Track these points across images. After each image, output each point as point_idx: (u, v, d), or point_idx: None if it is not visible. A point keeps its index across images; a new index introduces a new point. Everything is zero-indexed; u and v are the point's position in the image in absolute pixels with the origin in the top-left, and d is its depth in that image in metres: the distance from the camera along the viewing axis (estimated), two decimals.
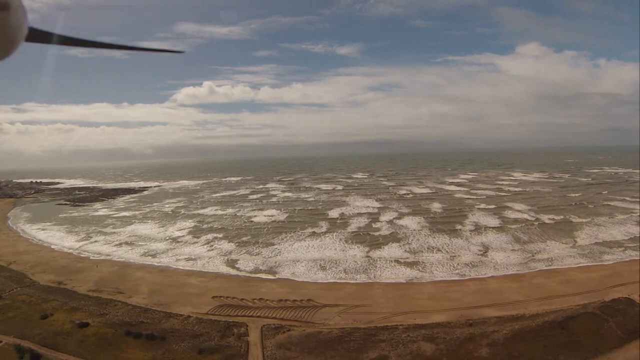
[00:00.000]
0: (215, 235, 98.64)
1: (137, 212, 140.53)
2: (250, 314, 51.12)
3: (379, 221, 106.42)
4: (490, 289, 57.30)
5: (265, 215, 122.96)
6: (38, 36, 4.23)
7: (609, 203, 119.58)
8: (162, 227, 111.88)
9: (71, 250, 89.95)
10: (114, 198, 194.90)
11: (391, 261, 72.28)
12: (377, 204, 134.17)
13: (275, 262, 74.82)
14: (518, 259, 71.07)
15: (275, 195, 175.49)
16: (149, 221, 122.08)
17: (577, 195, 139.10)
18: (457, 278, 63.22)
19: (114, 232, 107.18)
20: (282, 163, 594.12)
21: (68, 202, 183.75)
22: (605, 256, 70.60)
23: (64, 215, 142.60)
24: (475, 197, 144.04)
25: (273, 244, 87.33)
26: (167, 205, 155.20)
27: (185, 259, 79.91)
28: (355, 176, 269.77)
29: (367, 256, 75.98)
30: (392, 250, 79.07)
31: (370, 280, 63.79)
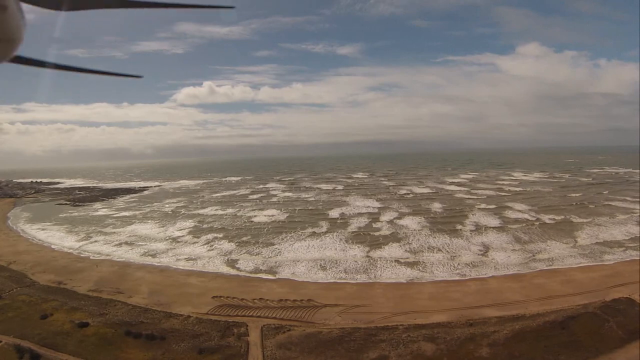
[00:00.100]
0: (215, 235, 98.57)
1: (137, 212, 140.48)
2: (251, 314, 51.05)
3: (380, 221, 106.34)
4: (490, 289, 57.21)
5: (265, 215, 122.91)
6: (27, 62, 4.27)
7: (610, 203, 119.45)
8: (162, 227, 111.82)
9: (71, 250, 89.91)
10: (114, 198, 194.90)
11: (391, 261, 72.19)
12: (377, 204, 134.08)
13: (276, 262, 74.75)
14: (518, 259, 70.97)
15: (275, 195, 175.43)
16: (149, 221, 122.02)
17: (577, 195, 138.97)
18: (457, 278, 63.12)
19: (114, 232, 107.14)
20: (282, 163, 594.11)
21: (68, 202, 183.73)
22: (605, 256, 70.48)
23: (64, 215, 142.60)
24: (475, 197, 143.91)
25: (273, 244, 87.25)
26: (167, 205, 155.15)
27: (185, 258, 79.85)
28: (355, 176, 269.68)
29: (368, 256, 75.89)
30: (393, 250, 78.98)
31: (370, 280, 63.70)
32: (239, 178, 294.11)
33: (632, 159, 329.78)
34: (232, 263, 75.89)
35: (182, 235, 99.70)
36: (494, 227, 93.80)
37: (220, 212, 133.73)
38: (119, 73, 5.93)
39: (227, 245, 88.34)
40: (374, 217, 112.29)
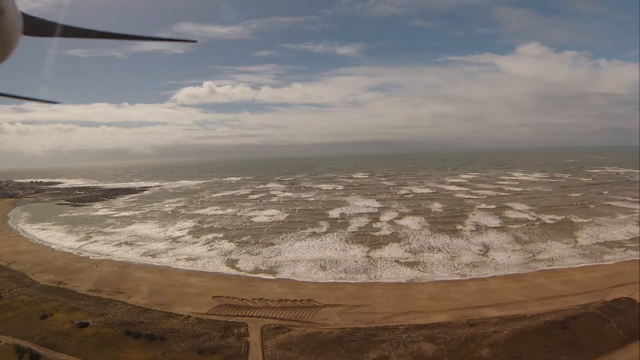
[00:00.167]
0: (215, 235, 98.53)
1: (137, 212, 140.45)
2: (251, 314, 50.99)
3: (380, 221, 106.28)
4: (491, 289, 57.14)
5: (265, 215, 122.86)
6: (39, 28, 4.16)
7: (610, 203, 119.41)
8: (162, 227, 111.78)
9: (71, 250, 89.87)
10: (114, 198, 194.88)
11: (392, 261, 72.13)
12: (377, 204, 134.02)
13: (276, 262, 74.69)
14: (519, 259, 70.91)
15: (275, 195, 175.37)
16: (149, 221, 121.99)
17: (578, 195, 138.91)
18: (457, 278, 63.05)
19: (114, 232, 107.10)
20: (282, 163, 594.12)
21: (68, 202, 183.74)
22: (606, 256, 70.43)
23: (64, 215, 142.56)
24: (475, 197, 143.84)
25: (273, 244, 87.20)
26: (167, 205, 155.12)
27: (185, 258, 79.80)
28: (355, 176, 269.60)
29: (368, 256, 75.83)
30: (393, 250, 78.91)
31: (370, 280, 63.63)
32: (239, 178, 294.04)
33: (632, 159, 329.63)
34: (232, 263, 75.84)
35: (182, 235, 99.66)
36: (494, 227, 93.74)
37: (220, 212, 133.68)
38: (170, 39, 5.42)
39: (227, 245, 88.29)
40: (374, 217, 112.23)
